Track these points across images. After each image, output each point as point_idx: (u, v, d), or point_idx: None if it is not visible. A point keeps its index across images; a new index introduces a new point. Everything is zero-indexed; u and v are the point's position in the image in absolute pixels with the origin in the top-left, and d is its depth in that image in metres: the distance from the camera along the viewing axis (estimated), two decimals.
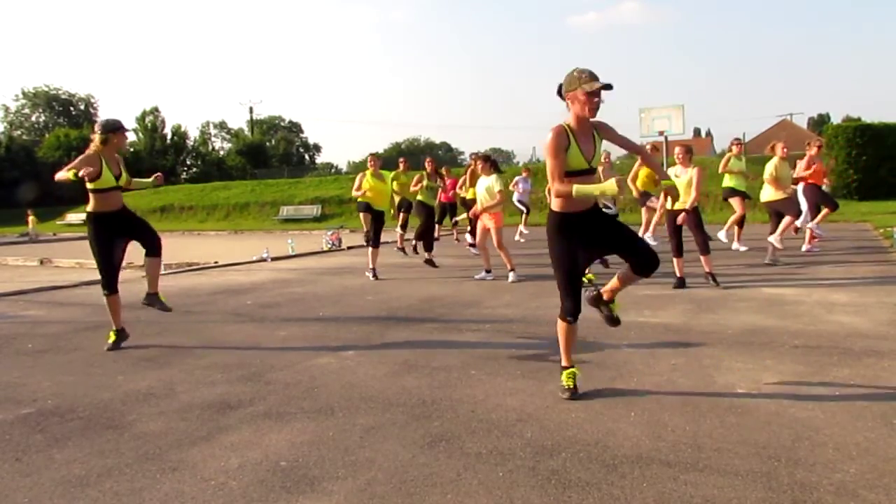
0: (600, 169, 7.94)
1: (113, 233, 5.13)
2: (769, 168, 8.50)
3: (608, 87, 3.37)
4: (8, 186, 39.73)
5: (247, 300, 7.51)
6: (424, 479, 2.67)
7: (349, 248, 14.25)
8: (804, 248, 9.62)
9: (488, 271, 8.26)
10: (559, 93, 3.52)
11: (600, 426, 3.16)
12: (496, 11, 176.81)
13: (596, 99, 3.41)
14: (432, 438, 3.09)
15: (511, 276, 8.00)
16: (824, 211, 9.82)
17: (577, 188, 3.37)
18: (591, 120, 3.50)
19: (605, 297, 3.91)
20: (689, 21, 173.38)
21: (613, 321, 3.96)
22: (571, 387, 3.61)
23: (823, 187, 10.07)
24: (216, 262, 11.94)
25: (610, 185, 3.27)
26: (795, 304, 5.95)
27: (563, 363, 3.70)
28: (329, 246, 14.42)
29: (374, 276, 8.74)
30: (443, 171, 12.47)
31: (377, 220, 8.86)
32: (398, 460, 2.86)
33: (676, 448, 2.86)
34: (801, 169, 9.49)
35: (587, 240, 3.57)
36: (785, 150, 8.65)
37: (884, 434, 2.93)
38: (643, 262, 3.57)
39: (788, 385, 3.68)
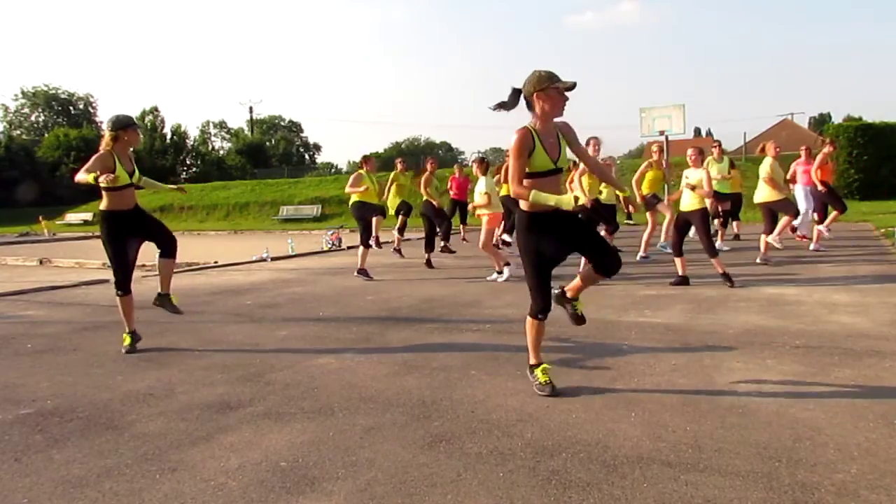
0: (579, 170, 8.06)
1: (126, 232, 5.06)
2: (764, 168, 8.49)
3: (574, 85, 3.47)
4: (7, 186, 39.75)
5: (247, 300, 7.51)
6: (424, 480, 2.66)
7: (349, 247, 14.24)
8: (812, 246, 9.62)
9: (499, 272, 8.19)
10: (518, 94, 3.54)
11: (601, 426, 3.15)
12: (495, 11, 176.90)
13: (566, 98, 3.52)
14: (432, 438, 3.09)
15: (495, 275, 8.12)
16: (833, 213, 9.91)
17: (533, 195, 3.41)
18: (556, 120, 3.57)
19: (568, 294, 3.99)
20: (689, 20, 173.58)
21: (578, 319, 4.01)
22: (548, 381, 3.65)
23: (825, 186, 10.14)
24: (216, 262, 11.94)
25: (567, 199, 3.31)
26: (796, 304, 5.94)
27: (532, 361, 3.77)
28: (329, 246, 14.43)
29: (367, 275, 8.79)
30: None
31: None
32: (398, 460, 2.85)
33: (677, 448, 2.86)
34: (816, 165, 9.65)
35: (555, 239, 3.60)
36: (777, 149, 8.67)
37: (885, 434, 2.93)
38: (606, 263, 3.62)
39: (789, 385, 3.68)
